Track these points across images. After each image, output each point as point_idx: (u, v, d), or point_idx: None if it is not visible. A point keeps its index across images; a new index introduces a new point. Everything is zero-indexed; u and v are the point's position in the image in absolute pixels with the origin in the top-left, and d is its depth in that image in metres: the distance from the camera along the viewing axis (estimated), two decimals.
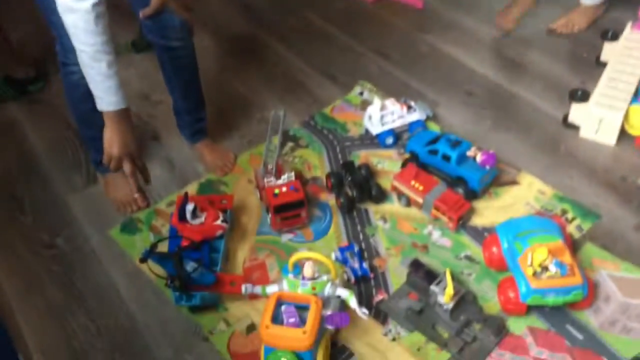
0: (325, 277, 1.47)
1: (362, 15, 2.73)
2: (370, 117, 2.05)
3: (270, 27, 2.70)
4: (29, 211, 1.91)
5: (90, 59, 1.39)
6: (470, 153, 1.81)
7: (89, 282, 1.69)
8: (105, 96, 1.45)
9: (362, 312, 1.43)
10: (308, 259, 1.48)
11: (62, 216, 1.88)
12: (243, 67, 2.48)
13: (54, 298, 1.66)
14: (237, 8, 2.85)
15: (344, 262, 1.66)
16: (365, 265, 1.64)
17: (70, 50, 1.65)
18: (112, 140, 1.49)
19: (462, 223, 1.74)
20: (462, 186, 1.79)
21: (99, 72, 1.41)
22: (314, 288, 1.44)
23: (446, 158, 1.81)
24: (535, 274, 1.43)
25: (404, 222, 1.79)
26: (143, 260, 1.53)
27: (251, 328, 1.55)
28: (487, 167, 1.78)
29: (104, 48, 1.39)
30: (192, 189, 1.93)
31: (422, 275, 1.56)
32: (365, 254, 1.71)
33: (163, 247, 1.61)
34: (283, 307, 1.38)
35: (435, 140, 1.86)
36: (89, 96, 1.74)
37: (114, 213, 1.88)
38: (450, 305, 1.47)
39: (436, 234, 1.75)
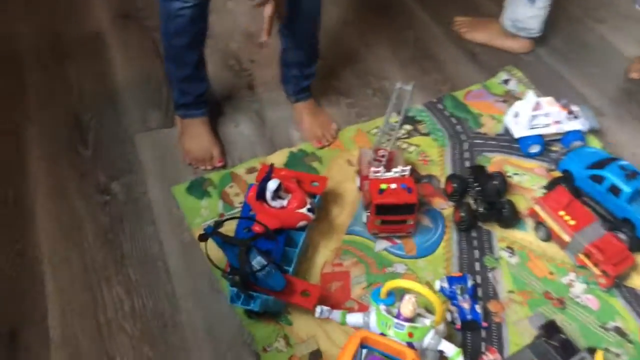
0: (427, 322, 1.09)
1: None
2: (516, 115, 1.61)
3: None
4: (91, 143, 1.63)
5: None
6: None
7: (137, 245, 1.39)
8: None
9: None
10: (410, 290, 1.10)
11: (126, 157, 1.59)
12: (369, 24, 2.07)
13: (93, 255, 1.37)
14: None
15: (450, 296, 1.27)
16: (478, 308, 1.24)
17: None
18: None
19: (617, 281, 1.29)
20: (627, 231, 1.34)
21: None
22: (410, 334, 1.06)
23: (615, 191, 1.35)
24: None
25: (537, 260, 1.37)
26: (203, 237, 1.20)
27: (315, 355, 1.20)
28: None
29: None
30: (279, 158, 1.58)
31: (557, 344, 1.14)
32: (480, 292, 1.31)
33: (230, 226, 1.29)
34: (365, 352, 1.01)
35: (602, 163, 1.41)
36: (186, 31, 1.42)
37: (184, 166, 1.56)
38: None
39: (579, 287, 1.32)
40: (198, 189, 1.51)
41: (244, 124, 1.69)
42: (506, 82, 1.83)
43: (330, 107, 1.75)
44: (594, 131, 1.63)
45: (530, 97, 1.59)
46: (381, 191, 1.34)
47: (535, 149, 1.59)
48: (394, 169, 1.38)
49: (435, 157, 1.61)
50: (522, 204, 1.46)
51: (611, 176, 1.36)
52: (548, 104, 1.60)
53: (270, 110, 1.74)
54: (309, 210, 1.31)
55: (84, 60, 1.89)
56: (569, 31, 2.03)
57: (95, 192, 1.50)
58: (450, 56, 1.95)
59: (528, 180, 1.54)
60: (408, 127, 1.68)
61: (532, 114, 1.57)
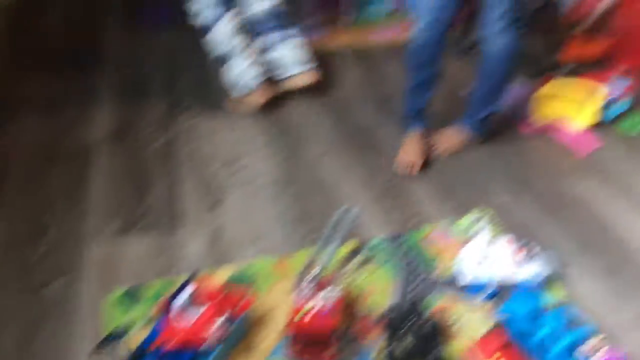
0: None
1: (509, 141, 2.25)
2: (467, 257, 1.57)
3: None
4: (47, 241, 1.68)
5: None
6: (584, 348, 1.24)
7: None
8: None
9: None
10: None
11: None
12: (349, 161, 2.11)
13: None
14: None
15: None
16: None
17: None
18: None
19: None
20: None
21: None
22: None
23: (548, 342, 1.26)
24: None
25: None
26: (98, 348, 1.18)
27: None
28: None
29: None
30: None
31: None
32: None
33: None
34: None
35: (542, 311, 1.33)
36: None
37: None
38: None
39: None
40: (133, 295, 1.49)
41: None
42: (476, 220, 1.78)
43: (286, 230, 1.75)
44: (553, 278, 1.54)
45: (483, 236, 1.55)
46: (299, 317, 1.29)
47: (483, 294, 1.51)
48: (323, 291, 1.33)
49: (382, 287, 1.55)
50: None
51: (548, 324, 1.27)
52: (505, 244, 1.54)
53: None
54: (221, 326, 1.27)
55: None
56: (547, 183, 2.00)
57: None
58: (426, 192, 1.93)
59: (473, 324, 1.46)
60: (360, 257, 1.65)
61: (483, 255, 1.52)
